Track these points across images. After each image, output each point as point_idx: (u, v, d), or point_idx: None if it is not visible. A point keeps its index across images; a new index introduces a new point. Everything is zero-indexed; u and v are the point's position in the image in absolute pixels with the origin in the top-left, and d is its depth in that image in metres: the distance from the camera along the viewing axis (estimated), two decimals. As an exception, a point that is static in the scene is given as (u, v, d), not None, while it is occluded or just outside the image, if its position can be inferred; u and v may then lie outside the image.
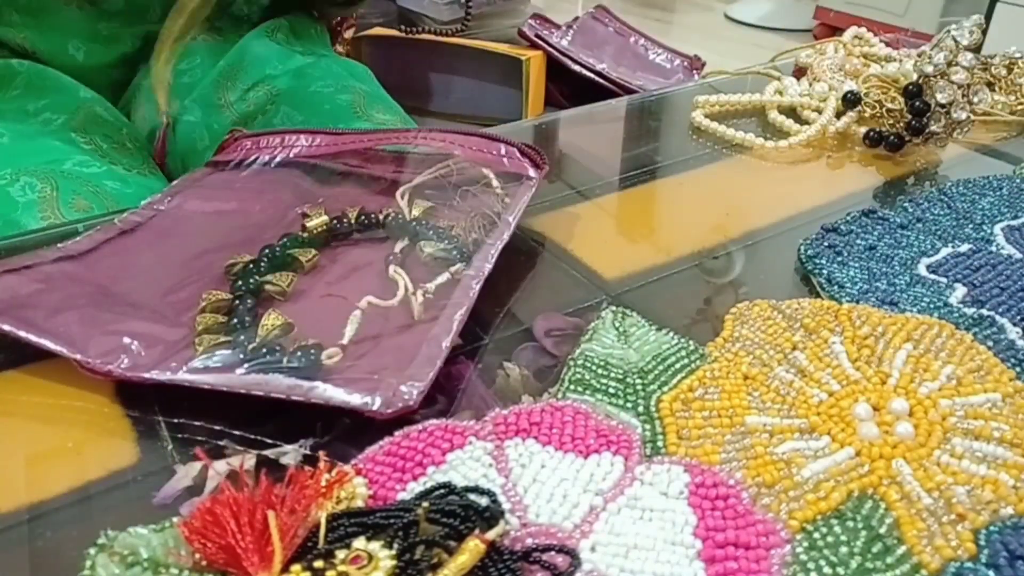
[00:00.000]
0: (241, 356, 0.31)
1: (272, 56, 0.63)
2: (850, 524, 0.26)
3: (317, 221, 0.40)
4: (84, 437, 0.30)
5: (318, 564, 0.22)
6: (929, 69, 0.53)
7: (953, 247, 0.43)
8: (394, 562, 0.22)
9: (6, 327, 0.32)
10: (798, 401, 0.31)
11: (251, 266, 0.37)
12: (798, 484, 0.27)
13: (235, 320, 0.34)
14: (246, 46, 0.63)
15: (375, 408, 0.29)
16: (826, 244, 0.42)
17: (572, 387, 0.31)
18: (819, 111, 0.58)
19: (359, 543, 0.23)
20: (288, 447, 0.29)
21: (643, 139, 0.59)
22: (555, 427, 0.29)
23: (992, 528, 0.26)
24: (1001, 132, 0.61)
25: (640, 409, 0.31)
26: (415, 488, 0.27)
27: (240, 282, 0.36)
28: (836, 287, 0.39)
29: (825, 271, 0.40)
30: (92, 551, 0.23)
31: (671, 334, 0.35)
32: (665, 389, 0.32)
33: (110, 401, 0.31)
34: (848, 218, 0.45)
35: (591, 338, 0.34)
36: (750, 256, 0.43)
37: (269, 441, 0.29)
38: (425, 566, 0.23)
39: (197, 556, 0.23)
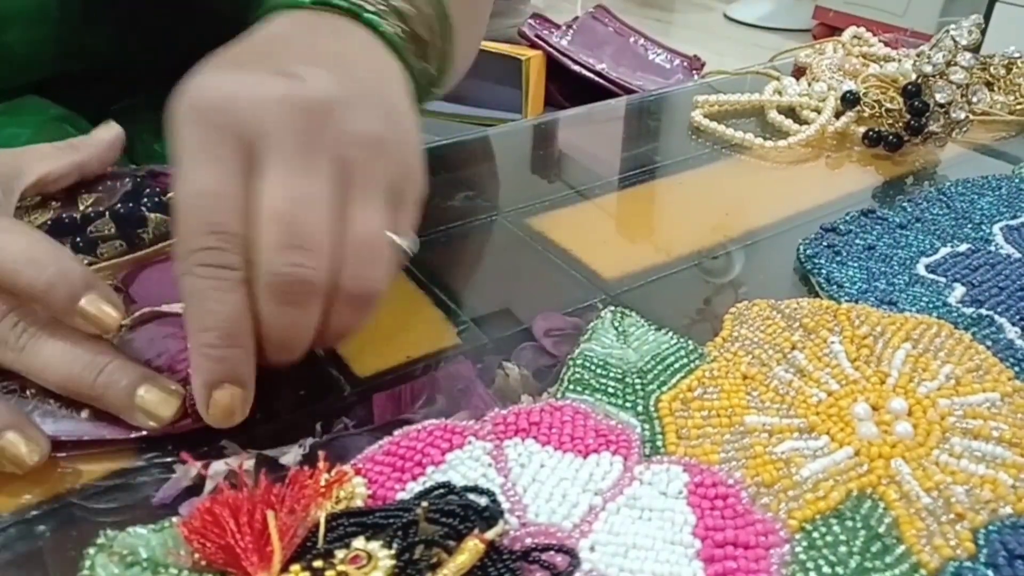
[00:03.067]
0: None
1: None
2: (849, 523, 0.26)
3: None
4: (84, 437, 0.30)
5: (317, 564, 0.22)
6: (928, 69, 0.53)
7: (952, 247, 0.43)
8: (393, 562, 0.22)
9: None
10: (797, 401, 0.31)
11: None
12: (797, 484, 0.27)
13: None
14: None
15: None
16: (825, 244, 0.42)
17: (571, 387, 0.31)
18: (818, 111, 0.58)
19: (358, 543, 0.23)
20: (288, 447, 0.29)
21: (643, 139, 0.59)
22: (554, 427, 0.29)
23: (991, 527, 0.26)
24: (1000, 132, 0.61)
25: (639, 409, 0.31)
26: (414, 488, 0.27)
27: None
28: (835, 287, 0.39)
29: (824, 271, 0.40)
30: (92, 551, 0.23)
31: (670, 334, 0.35)
32: (664, 389, 0.32)
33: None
34: (847, 218, 0.45)
35: (590, 338, 0.34)
36: (749, 256, 0.43)
37: (269, 441, 0.29)
38: (424, 566, 0.23)
39: (196, 556, 0.23)
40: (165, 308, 0.33)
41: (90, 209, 0.37)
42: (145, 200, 0.39)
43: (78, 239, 0.36)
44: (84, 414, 0.29)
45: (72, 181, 0.38)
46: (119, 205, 0.38)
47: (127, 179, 0.40)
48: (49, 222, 0.37)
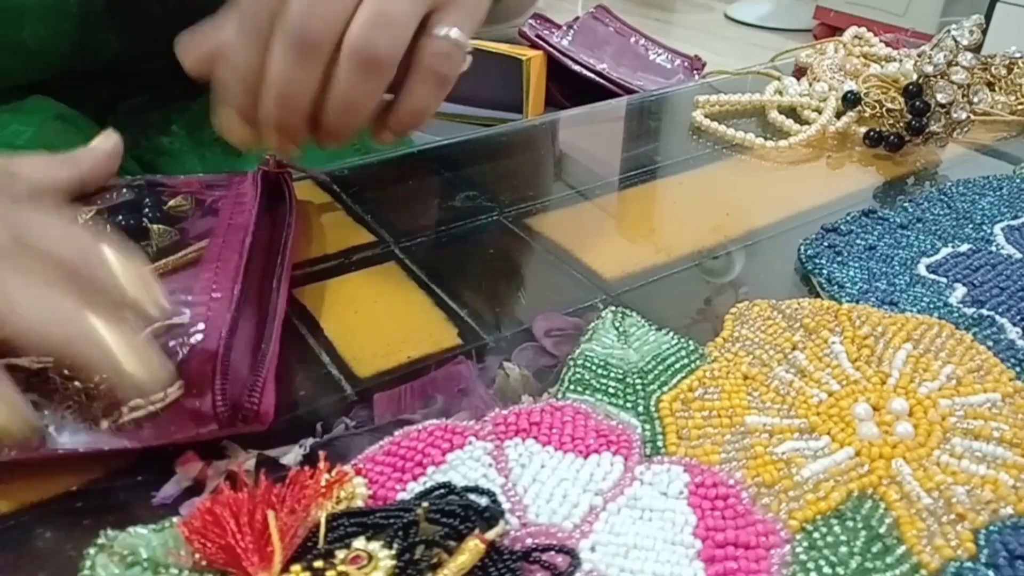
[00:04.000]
0: None
1: None
2: (850, 524, 0.26)
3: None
4: (84, 437, 0.30)
5: (318, 564, 0.22)
6: (929, 69, 0.53)
7: (953, 247, 0.43)
8: (394, 562, 0.22)
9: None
10: (798, 401, 0.31)
11: None
12: (798, 484, 0.27)
13: None
14: None
15: None
16: (826, 244, 0.42)
17: (572, 387, 0.31)
18: (819, 111, 0.58)
19: (359, 543, 0.23)
20: (288, 447, 0.29)
21: (643, 139, 0.59)
22: (555, 427, 0.29)
23: (992, 528, 0.26)
24: (1001, 132, 0.61)
25: (640, 409, 0.31)
26: (415, 488, 0.27)
27: None
28: (836, 287, 0.39)
29: (825, 271, 0.40)
30: (92, 551, 0.23)
31: (671, 334, 0.35)
32: (665, 389, 0.32)
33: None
34: (848, 218, 0.45)
35: (591, 338, 0.34)
36: (750, 256, 0.43)
37: (269, 441, 0.29)
38: (425, 566, 0.23)
39: (197, 556, 0.23)
40: (176, 321, 0.33)
41: (90, 223, 0.37)
42: (147, 211, 0.38)
43: None
44: (103, 425, 0.29)
45: (73, 195, 0.38)
46: (120, 218, 0.37)
47: (124, 189, 0.39)
48: None
